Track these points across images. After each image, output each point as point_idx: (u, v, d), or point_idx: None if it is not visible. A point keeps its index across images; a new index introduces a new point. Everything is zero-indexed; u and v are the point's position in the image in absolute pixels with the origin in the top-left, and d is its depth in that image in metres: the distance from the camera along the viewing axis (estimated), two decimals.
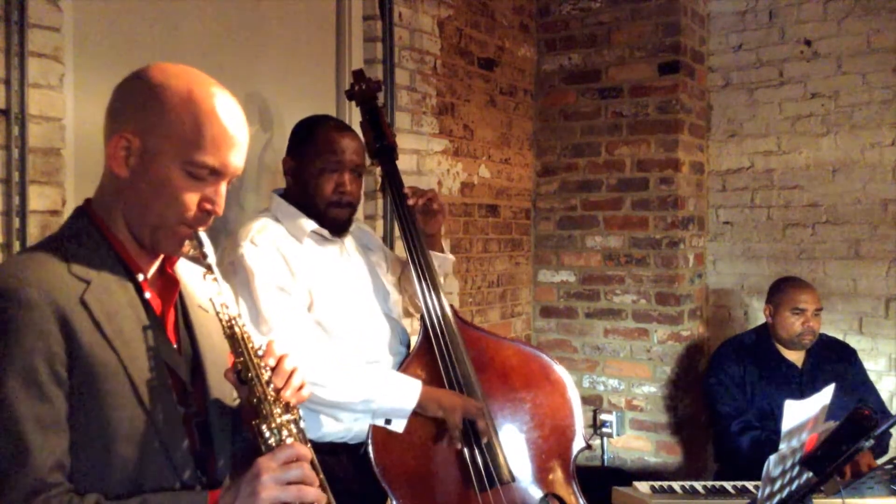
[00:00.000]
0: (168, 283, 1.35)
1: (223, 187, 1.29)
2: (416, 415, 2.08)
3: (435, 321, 2.20)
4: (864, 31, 3.74)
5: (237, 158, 1.29)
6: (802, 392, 3.08)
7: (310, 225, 2.14)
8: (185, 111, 1.24)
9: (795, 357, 3.26)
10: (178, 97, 1.24)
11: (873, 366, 3.69)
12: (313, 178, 2.14)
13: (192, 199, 1.26)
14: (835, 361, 3.28)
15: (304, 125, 2.23)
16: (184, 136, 1.24)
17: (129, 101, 1.27)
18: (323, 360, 2.02)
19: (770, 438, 3.06)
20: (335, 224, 2.18)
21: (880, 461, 2.86)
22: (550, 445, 2.22)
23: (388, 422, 2.07)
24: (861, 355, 3.42)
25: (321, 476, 1.26)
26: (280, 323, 1.98)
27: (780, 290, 3.28)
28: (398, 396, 2.06)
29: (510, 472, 2.13)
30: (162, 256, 1.33)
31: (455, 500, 2.11)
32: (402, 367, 2.19)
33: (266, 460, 1.18)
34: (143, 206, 1.26)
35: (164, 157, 1.24)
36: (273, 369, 1.30)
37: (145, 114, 1.25)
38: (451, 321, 2.22)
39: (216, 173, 1.27)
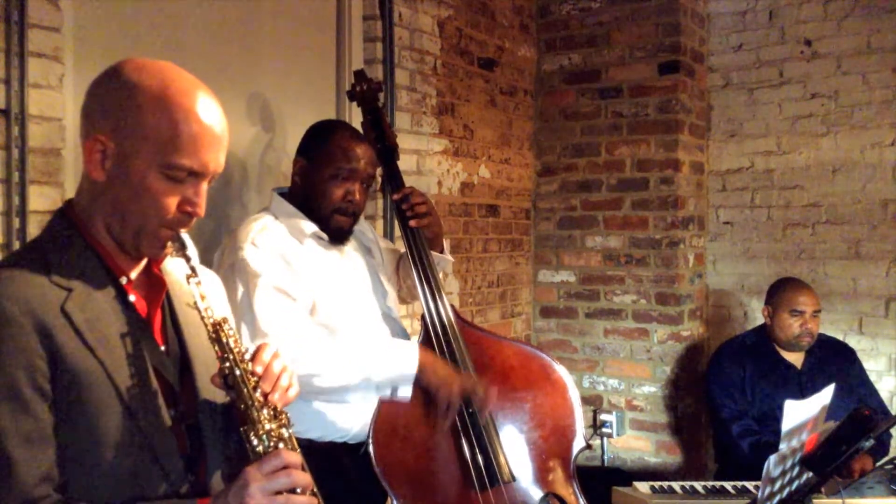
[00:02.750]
0: (154, 284, 1.32)
1: (204, 187, 1.26)
2: (416, 386, 2.05)
3: (436, 321, 2.20)
4: (864, 31, 3.75)
5: (216, 158, 1.25)
6: (803, 392, 3.08)
7: (309, 227, 2.14)
8: (160, 111, 1.20)
9: (795, 358, 3.26)
10: (152, 97, 1.20)
11: (873, 366, 3.69)
12: (323, 183, 2.14)
13: (171, 202, 1.22)
14: (834, 362, 3.27)
15: (321, 128, 2.22)
16: (160, 138, 1.20)
17: (103, 101, 1.23)
18: (314, 348, 2.00)
19: (769, 442, 3.07)
20: (337, 231, 2.18)
21: (881, 461, 2.86)
22: (551, 445, 2.22)
23: (394, 392, 2.05)
24: (861, 355, 3.42)
25: (311, 480, 1.24)
26: (278, 329, 1.96)
27: (779, 292, 3.28)
28: (397, 366, 2.04)
29: (510, 471, 2.13)
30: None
31: (455, 500, 2.10)
32: None
33: (253, 470, 1.17)
34: (122, 211, 1.23)
35: (140, 160, 1.20)
36: (260, 374, 1.27)
37: (119, 115, 1.21)
38: (452, 321, 2.22)
39: (195, 174, 1.23)
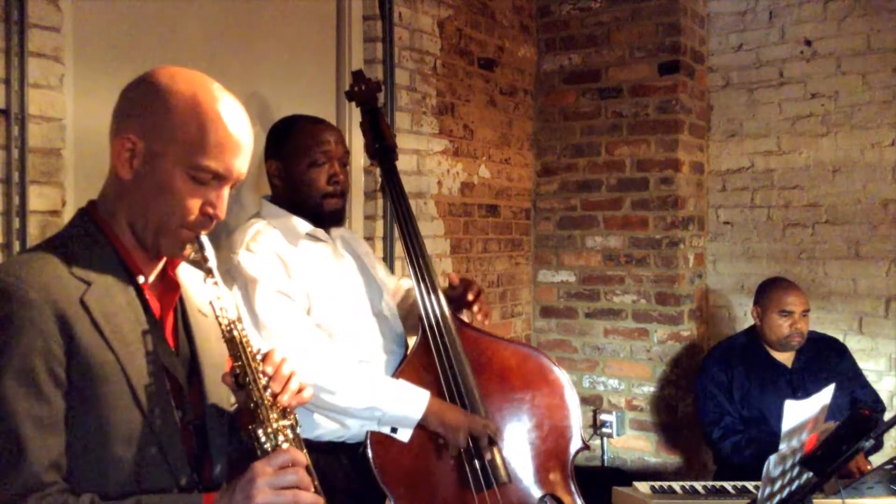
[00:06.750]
0: (169, 287, 1.35)
1: (226, 192, 1.29)
2: (422, 435, 2.07)
3: (433, 321, 2.20)
4: (864, 31, 3.75)
5: (241, 163, 1.29)
6: (794, 392, 3.09)
7: (304, 226, 2.14)
8: (190, 115, 1.24)
9: (785, 358, 3.25)
10: (183, 101, 1.25)
11: (873, 366, 3.69)
12: (303, 174, 2.14)
13: (194, 203, 1.26)
14: (825, 358, 3.26)
15: (281, 126, 2.23)
16: (188, 141, 1.24)
17: (135, 103, 1.27)
18: (331, 365, 2.02)
19: (751, 440, 3.08)
20: (332, 215, 2.18)
21: (881, 461, 2.86)
22: (548, 446, 2.21)
23: (393, 430, 2.06)
24: (861, 355, 3.42)
25: (316, 481, 1.27)
26: (282, 329, 1.98)
27: (767, 292, 3.26)
28: (405, 406, 2.05)
29: (508, 473, 2.13)
30: (164, 260, 1.33)
31: (453, 501, 2.10)
32: (400, 367, 2.19)
33: (261, 465, 1.19)
34: (145, 209, 1.26)
35: (167, 160, 1.24)
36: (271, 374, 1.30)
37: (150, 117, 1.25)
38: (450, 322, 2.22)
39: (219, 178, 1.27)
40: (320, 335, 2.09)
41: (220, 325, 1.29)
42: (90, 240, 1.27)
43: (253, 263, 2.01)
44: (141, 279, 1.29)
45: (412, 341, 2.26)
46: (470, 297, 2.26)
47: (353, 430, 2.09)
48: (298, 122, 2.21)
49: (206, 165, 1.25)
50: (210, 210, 1.27)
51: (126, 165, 1.26)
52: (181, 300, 1.37)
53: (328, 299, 2.12)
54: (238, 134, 1.28)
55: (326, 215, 2.17)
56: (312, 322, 2.08)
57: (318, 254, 2.17)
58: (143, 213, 1.27)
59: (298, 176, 2.14)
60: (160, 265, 1.34)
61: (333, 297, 2.14)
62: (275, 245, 2.08)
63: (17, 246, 1.97)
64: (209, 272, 1.29)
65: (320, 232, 2.18)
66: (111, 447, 1.19)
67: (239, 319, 1.30)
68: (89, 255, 1.25)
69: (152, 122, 1.25)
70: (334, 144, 2.17)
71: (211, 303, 1.29)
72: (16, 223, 1.98)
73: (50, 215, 2.04)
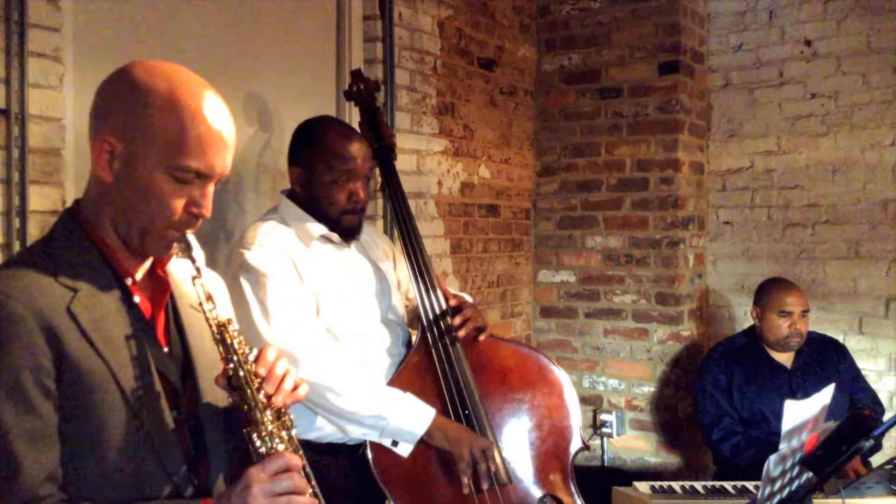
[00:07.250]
0: (159, 285, 1.33)
1: (210, 189, 1.26)
2: (422, 441, 2.06)
3: (432, 321, 2.20)
4: (864, 31, 3.74)
5: (224, 159, 1.26)
6: (794, 392, 3.08)
7: (318, 229, 2.13)
8: (169, 113, 1.21)
9: (784, 358, 3.25)
10: (161, 98, 1.21)
11: (873, 366, 3.69)
12: (325, 189, 2.12)
13: (178, 203, 1.23)
14: (824, 359, 3.26)
15: (308, 131, 2.18)
16: (167, 140, 1.20)
17: (112, 102, 1.24)
18: (340, 367, 2.02)
19: (751, 443, 3.08)
20: (348, 230, 2.17)
21: (881, 461, 2.86)
22: (548, 446, 2.21)
23: (394, 444, 2.05)
24: (861, 355, 3.42)
25: (313, 483, 1.26)
26: (292, 327, 1.98)
27: (767, 293, 3.26)
28: (410, 419, 2.04)
29: (508, 473, 2.13)
30: (152, 258, 1.31)
31: (453, 502, 2.10)
32: (400, 367, 2.19)
33: (256, 471, 1.18)
34: (129, 211, 1.24)
35: (148, 161, 1.21)
36: (264, 375, 1.28)
37: (128, 116, 1.21)
38: (449, 321, 2.22)
39: (202, 176, 1.24)
40: (328, 338, 2.08)
41: (210, 326, 1.27)
42: (75, 243, 1.25)
43: (264, 260, 2.02)
44: (129, 281, 1.27)
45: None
46: (450, 312, 2.22)
47: (354, 436, 2.09)
48: (327, 133, 2.15)
49: (188, 165, 1.21)
50: (194, 209, 1.25)
51: (106, 168, 1.22)
52: (172, 297, 1.35)
53: (336, 301, 2.12)
54: (219, 129, 1.24)
55: (342, 230, 2.17)
56: (321, 324, 2.08)
57: (329, 256, 2.17)
58: (127, 216, 1.24)
59: (320, 189, 2.12)
60: (147, 263, 1.31)
61: (341, 299, 2.13)
62: (286, 245, 2.08)
63: (17, 246, 1.98)
64: (197, 271, 1.27)
65: (334, 235, 2.17)
66: (107, 454, 1.18)
67: (229, 321, 1.27)
68: (75, 259, 1.23)
69: (130, 122, 1.21)
70: (360, 161, 2.12)
71: (200, 304, 1.27)
72: (16, 223, 1.99)
73: (50, 215, 2.04)
